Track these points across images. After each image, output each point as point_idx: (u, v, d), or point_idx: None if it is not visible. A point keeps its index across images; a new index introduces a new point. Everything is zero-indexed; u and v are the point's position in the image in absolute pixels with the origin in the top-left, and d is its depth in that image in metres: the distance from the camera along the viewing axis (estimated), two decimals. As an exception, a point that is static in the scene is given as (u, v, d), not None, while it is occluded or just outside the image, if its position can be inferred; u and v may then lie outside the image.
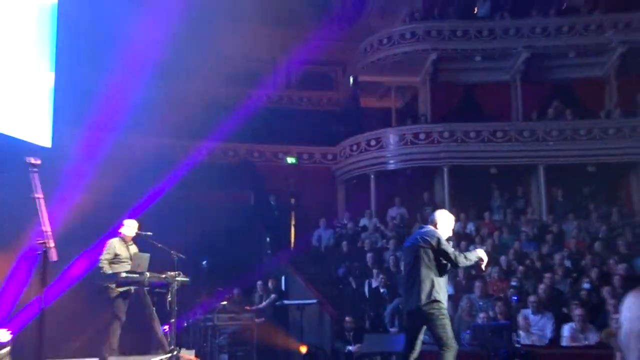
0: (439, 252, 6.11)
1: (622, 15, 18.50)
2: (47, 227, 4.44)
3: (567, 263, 12.63)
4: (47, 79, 10.72)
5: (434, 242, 6.12)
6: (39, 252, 4.40)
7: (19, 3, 10.27)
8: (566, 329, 9.29)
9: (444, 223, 6.52)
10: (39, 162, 4.57)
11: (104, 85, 14.41)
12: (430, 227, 6.40)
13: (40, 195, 4.53)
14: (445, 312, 6.04)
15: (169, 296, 7.88)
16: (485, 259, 6.25)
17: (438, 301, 5.96)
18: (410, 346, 6.09)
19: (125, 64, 14.58)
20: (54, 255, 4.42)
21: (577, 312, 9.35)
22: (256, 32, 19.59)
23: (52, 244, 4.39)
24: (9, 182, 7.60)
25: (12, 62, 9.96)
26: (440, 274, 6.13)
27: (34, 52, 10.72)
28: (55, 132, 10.57)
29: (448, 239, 6.45)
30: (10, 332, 7.61)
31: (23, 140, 9.67)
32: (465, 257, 6.24)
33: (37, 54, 10.77)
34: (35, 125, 10.33)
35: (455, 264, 6.22)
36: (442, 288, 6.09)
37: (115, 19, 15.05)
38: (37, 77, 10.60)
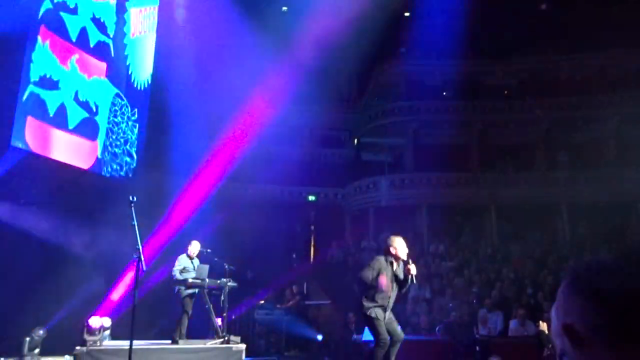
0: None
1: (547, 99, 18.71)
2: (139, 246, 4.48)
3: (512, 275, 12.49)
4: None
5: None
6: (134, 263, 4.44)
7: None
8: (512, 324, 9.15)
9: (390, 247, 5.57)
10: (135, 199, 4.65)
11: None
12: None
13: (135, 222, 4.58)
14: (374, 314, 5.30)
15: (222, 296, 7.88)
16: (414, 272, 5.30)
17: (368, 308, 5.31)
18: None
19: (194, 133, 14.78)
20: (144, 265, 4.46)
21: (520, 311, 9.23)
22: (289, 106, 19.94)
23: (142, 257, 4.44)
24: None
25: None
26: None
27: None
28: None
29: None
30: (111, 319, 7.66)
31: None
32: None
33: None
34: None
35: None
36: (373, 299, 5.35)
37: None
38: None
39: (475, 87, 19.82)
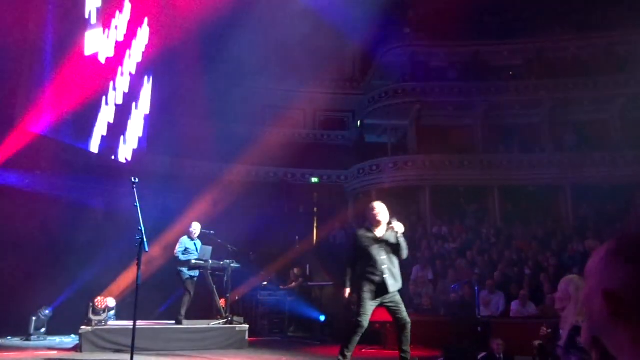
0: None
1: (552, 80, 18.53)
2: (142, 227, 4.49)
3: (514, 256, 12.52)
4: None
5: None
6: (137, 244, 4.44)
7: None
8: (513, 304, 9.20)
9: (368, 213, 5.27)
10: (137, 180, 4.64)
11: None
12: None
13: (137, 204, 4.58)
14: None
15: (225, 277, 7.96)
16: (399, 229, 5.05)
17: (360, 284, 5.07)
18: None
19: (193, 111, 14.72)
20: (146, 247, 4.47)
21: (521, 292, 9.28)
22: (292, 88, 19.90)
23: (145, 239, 4.45)
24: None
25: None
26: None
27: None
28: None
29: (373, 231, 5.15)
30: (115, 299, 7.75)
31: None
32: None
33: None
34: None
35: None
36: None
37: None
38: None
39: (480, 67, 19.64)
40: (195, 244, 8.03)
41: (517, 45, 19.82)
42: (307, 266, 13.42)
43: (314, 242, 16.83)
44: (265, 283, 11.11)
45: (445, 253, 13.22)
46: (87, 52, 10.02)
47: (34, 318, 7.80)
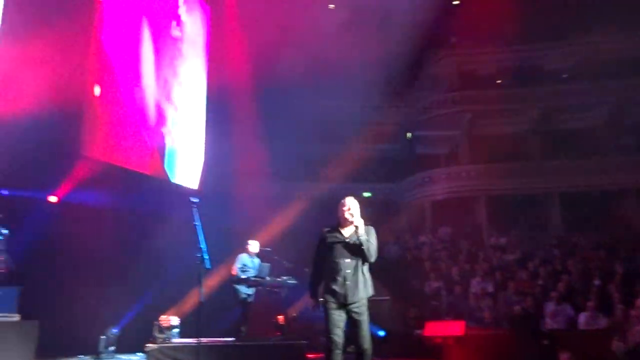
0: None
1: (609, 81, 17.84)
2: (203, 245, 4.59)
3: (579, 266, 11.99)
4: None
5: None
6: (197, 262, 4.56)
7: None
8: (581, 316, 8.81)
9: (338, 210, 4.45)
10: (197, 200, 4.77)
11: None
12: None
13: (198, 223, 4.72)
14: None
15: (283, 294, 8.06)
16: (360, 226, 4.27)
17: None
18: None
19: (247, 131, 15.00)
20: (207, 264, 4.57)
21: (589, 303, 8.89)
22: (342, 103, 20.03)
23: (206, 256, 4.55)
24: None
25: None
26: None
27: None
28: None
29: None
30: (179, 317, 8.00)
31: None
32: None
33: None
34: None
35: None
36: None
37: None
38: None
39: (531, 72, 19.15)
40: (253, 261, 8.17)
41: (570, 47, 19.23)
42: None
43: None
44: (322, 299, 11.14)
45: (504, 264, 12.85)
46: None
47: (102, 337, 8.12)
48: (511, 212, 17.52)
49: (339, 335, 4.04)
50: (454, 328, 7.98)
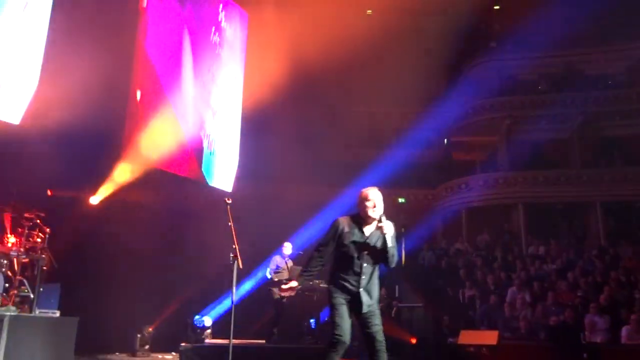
0: None
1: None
2: (236, 245, 4.60)
3: (622, 278, 11.55)
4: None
5: None
6: (231, 262, 4.58)
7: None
8: (624, 330, 8.48)
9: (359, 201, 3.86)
10: (230, 201, 4.78)
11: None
12: None
13: (232, 223, 4.72)
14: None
15: (314, 297, 8.05)
16: (388, 232, 3.70)
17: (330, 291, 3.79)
18: None
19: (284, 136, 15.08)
20: (240, 264, 4.59)
21: (633, 316, 8.54)
22: (378, 109, 19.97)
23: (239, 257, 4.57)
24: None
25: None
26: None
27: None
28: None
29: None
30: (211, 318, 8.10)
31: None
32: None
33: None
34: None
35: None
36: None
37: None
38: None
39: (574, 77, 18.62)
40: (286, 263, 8.20)
41: (615, 52, 18.61)
42: (397, 287, 13.22)
43: (402, 262, 16.55)
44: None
45: (543, 274, 12.49)
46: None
47: (138, 335, 8.30)
48: (550, 220, 17.04)
49: (346, 333, 3.57)
50: (488, 337, 7.81)
